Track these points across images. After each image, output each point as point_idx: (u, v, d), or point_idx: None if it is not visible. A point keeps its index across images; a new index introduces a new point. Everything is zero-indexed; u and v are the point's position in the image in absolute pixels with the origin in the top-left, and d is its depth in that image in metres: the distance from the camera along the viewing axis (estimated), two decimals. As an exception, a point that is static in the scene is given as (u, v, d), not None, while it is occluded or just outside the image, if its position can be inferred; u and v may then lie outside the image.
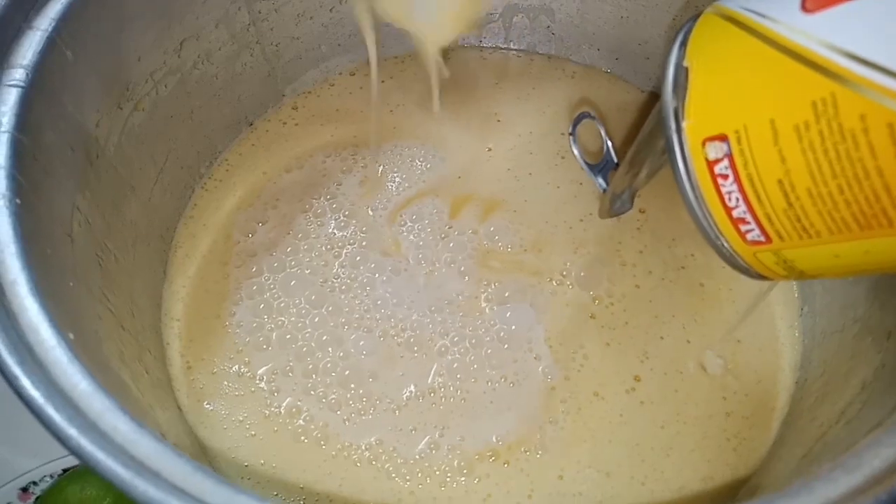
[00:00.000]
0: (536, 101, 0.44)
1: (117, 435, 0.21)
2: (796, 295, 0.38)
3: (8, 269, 0.24)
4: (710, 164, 0.22)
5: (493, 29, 0.45)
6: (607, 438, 0.34)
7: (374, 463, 0.33)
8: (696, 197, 0.23)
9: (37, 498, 0.40)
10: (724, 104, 0.22)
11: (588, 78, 0.45)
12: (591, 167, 0.38)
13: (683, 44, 0.23)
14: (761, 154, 0.20)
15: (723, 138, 0.21)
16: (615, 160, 0.38)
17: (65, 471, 0.41)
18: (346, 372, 0.35)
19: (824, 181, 0.19)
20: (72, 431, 0.21)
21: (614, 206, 0.35)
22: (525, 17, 0.45)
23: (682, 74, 0.23)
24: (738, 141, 0.21)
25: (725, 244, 0.23)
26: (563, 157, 0.42)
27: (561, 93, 0.44)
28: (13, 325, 0.23)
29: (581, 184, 0.41)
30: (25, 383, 0.21)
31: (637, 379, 0.35)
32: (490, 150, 0.42)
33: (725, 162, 0.21)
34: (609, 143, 0.38)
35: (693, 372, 0.36)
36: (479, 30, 0.45)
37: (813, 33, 0.19)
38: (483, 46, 0.46)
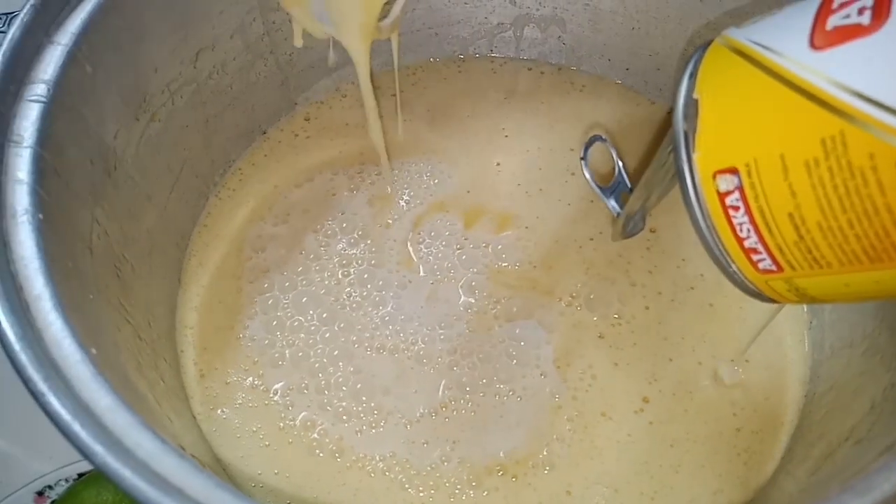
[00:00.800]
0: (545, 116, 0.44)
1: (140, 451, 0.22)
2: (805, 308, 0.38)
3: (32, 285, 0.24)
4: (721, 196, 0.22)
5: (504, 39, 0.45)
6: (615, 457, 0.34)
7: (387, 474, 0.33)
8: (708, 226, 0.23)
9: (52, 502, 0.41)
10: (734, 138, 0.22)
11: (597, 91, 0.45)
12: (603, 190, 0.38)
13: (693, 74, 0.23)
14: (771, 188, 0.21)
15: (733, 171, 0.21)
16: (628, 183, 0.38)
17: (80, 475, 0.41)
18: (359, 386, 0.35)
19: (834, 216, 0.19)
20: (98, 448, 0.21)
21: (627, 227, 0.35)
22: (536, 27, 0.45)
23: (691, 106, 0.23)
24: (749, 174, 0.21)
25: (737, 272, 0.24)
26: (572, 174, 0.41)
27: (570, 108, 0.44)
28: (38, 340, 0.23)
29: (591, 201, 0.40)
30: (52, 400, 0.21)
31: (646, 400, 0.35)
32: (498, 165, 0.42)
33: (736, 194, 0.22)
34: (621, 165, 0.38)
35: (702, 391, 0.36)
36: (490, 40, 0.46)
37: (821, 70, 0.19)
38: (494, 57, 0.46)
